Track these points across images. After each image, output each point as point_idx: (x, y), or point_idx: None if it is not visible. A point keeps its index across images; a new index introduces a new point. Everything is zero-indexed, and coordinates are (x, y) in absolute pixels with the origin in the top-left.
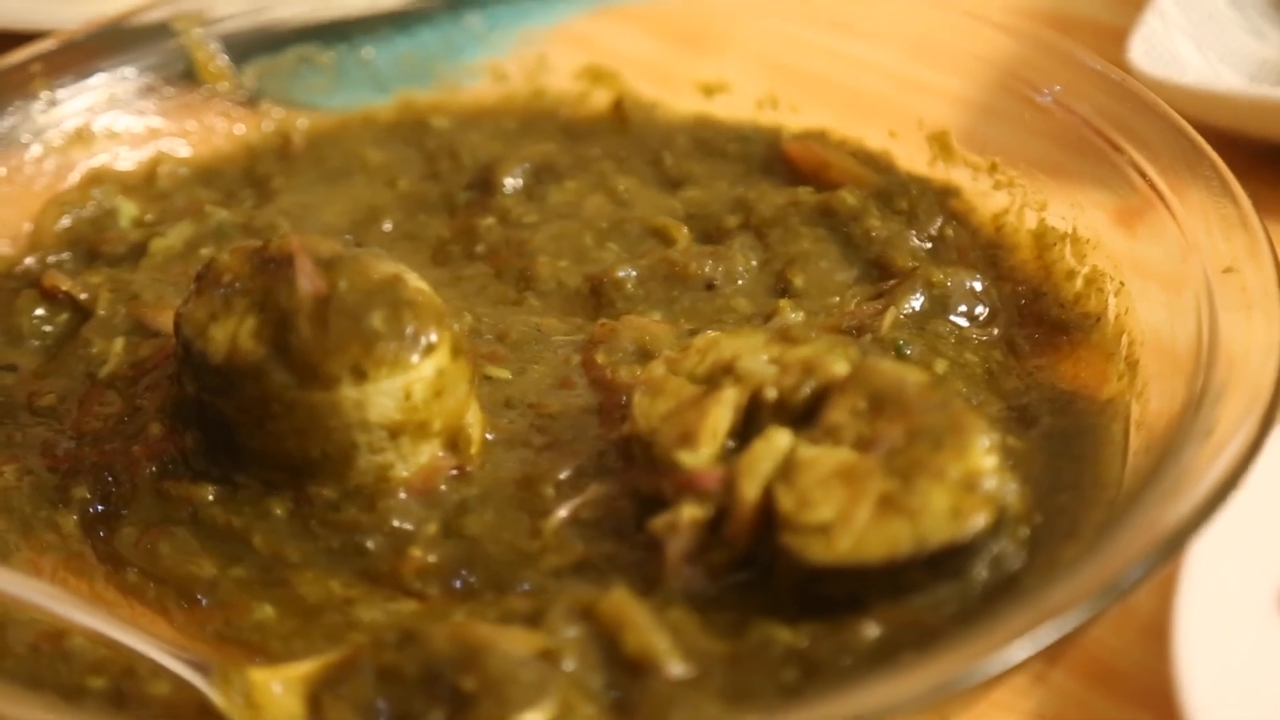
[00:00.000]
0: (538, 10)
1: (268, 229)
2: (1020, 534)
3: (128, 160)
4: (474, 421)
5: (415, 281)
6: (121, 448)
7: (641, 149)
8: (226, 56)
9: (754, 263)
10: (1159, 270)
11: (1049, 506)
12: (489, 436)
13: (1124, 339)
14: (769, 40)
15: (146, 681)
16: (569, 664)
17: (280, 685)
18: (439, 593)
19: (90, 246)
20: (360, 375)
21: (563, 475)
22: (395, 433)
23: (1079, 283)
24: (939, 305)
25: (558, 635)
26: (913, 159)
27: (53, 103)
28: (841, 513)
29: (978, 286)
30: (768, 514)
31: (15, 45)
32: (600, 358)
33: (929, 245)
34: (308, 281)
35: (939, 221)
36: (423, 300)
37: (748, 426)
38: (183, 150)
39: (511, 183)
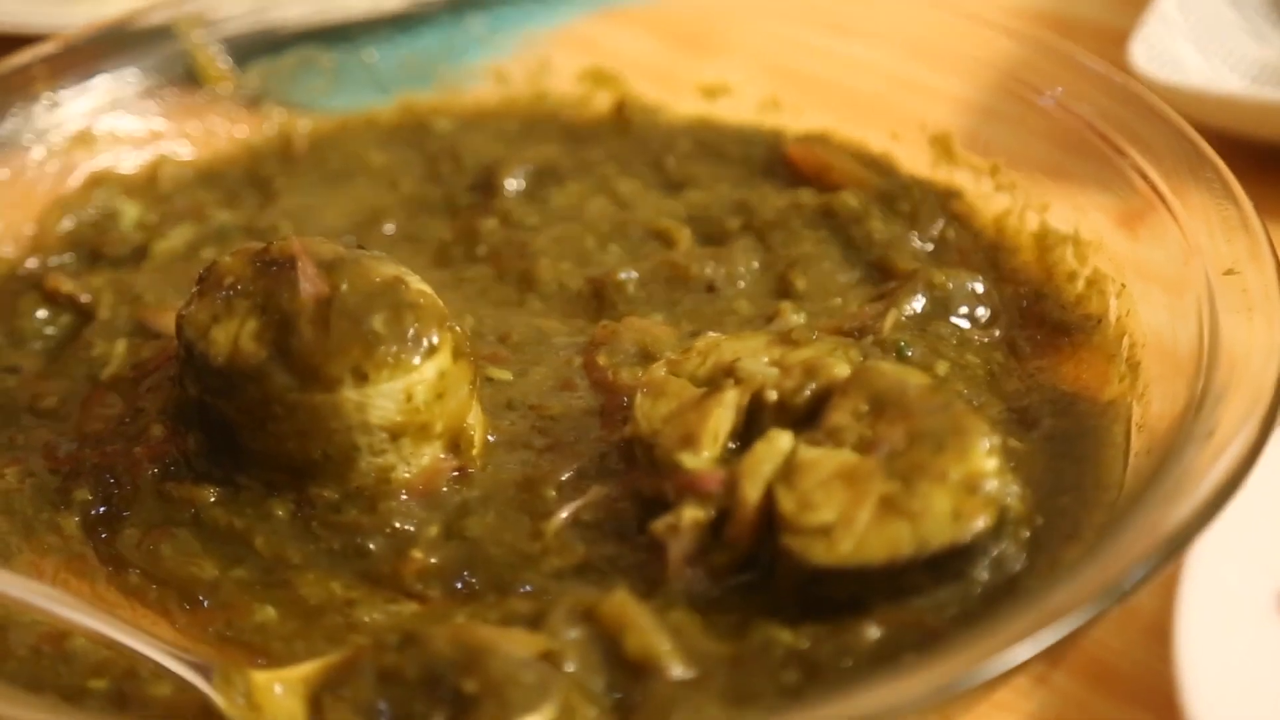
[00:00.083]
0: (540, 12)
1: (269, 231)
2: (1021, 536)
3: (130, 162)
4: (475, 423)
5: (417, 283)
6: (123, 449)
7: (643, 151)
8: (228, 58)
9: (755, 265)
10: (1160, 272)
11: (1050, 508)
12: (490, 438)
13: (1125, 341)
14: (771, 43)
15: (148, 683)
16: (570, 666)
17: (281, 687)
18: (440, 594)
19: (92, 248)
20: (362, 377)
21: (564, 477)
22: (397, 434)
23: (1080, 285)
24: (940, 307)
25: (559, 637)
26: (914, 161)
27: (55, 105)
28: (843, 514)
29: (979, 288)
30: (769, 516)
31: (17, 47)
32: (602, 359)
33: (930, 247)
34: (309, 284)
35: (940, 223)
36: (424, 302)
37: (749, 428)
38: (185, 152)
39: (513, 185)
